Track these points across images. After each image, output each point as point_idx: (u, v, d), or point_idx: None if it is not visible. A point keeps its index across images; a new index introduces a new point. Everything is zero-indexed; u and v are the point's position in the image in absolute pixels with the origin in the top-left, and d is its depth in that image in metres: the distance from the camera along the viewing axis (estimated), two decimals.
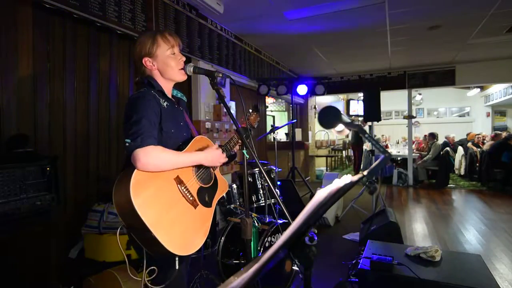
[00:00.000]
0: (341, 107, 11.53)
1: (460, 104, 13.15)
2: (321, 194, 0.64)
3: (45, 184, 1.88)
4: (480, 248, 3.36)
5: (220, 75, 1.32)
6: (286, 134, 8.33)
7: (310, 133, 8.58)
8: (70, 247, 2.50)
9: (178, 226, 1.17)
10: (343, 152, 11.25)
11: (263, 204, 2.73)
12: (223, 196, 2.34)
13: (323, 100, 10.16)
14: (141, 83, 1.34)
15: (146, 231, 1.06)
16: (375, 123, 4.63)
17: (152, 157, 1.11)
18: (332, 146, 10.96)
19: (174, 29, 3.33)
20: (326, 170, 9.35)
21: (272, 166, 2.91)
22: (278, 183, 3.59)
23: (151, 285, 1.18)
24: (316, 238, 0.72)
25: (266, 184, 2.71)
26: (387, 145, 10.71)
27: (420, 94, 11.84)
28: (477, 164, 7.52)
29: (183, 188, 1.23)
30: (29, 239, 1.79)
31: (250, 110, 1.86)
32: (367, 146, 8.30)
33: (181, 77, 1.36)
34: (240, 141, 1.53)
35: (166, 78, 1.35)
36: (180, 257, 1.21)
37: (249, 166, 2.77)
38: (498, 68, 6.58)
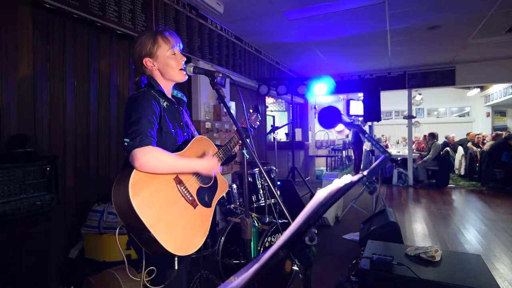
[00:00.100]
0: (341, 107, 11.53)
1: (460, 104, 13.17)
2: (321, 194, 0.65)
3: (45, 184, 1.88)
4: (480, 248, 3.36)
5: (220, 75, 1.32)
6: (286, 134, 8.33)
7: (310, 133, 8.58)
8: (70, 247, 2.49)
9: (177, 226, 1.17)
10: (343, 152, 11.26)
11: (263, 204, 2.73)
12: (223, 196, 2.34)
13: (323, 100, 10.15)
14: (141, 83, 1.33)
15: (145, 231, 1.06)
16: (375, 123, 4.63)
17: (150, 158, 1.11)
18: (332, 146, 10.96)
19: (174, 29, 3.33)
20: (326, 170, 9.35)
21: (272, 167, 2.92)
22: (278, 183, 3.59)
23: (150, 285, 1.18)
24: (316, 238, 0.72)
25: (266, 184, 2.71)
26: (387, 145, 10.72)
27: (420, 94, 11.83)
28: (477, 164, 7.52)
29: (182, 188, 1.23)
30: (29, 239, 1.79)
31: (251, 110, 1.86)
32: (367, 146, 8.30)
33: (181, 77, 1.36)
34: (240, 141, 1.53)
35: (166, 78, 1.35)
36: (180, 257, 1.21)
37: (249, 166, 2.77)
38: (498, 68, 6.58)
